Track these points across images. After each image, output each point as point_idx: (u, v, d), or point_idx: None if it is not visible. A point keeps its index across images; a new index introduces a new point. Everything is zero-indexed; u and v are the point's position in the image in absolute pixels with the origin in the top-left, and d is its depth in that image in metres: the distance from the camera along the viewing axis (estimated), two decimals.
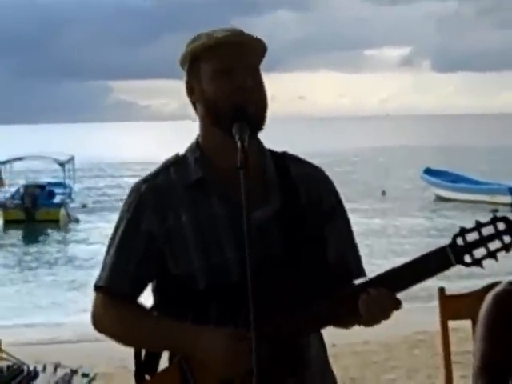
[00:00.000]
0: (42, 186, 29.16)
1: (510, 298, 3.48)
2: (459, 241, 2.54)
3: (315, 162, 2.89)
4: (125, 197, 2.77)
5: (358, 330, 2.69)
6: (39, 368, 3.81)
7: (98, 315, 2.69)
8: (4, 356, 3.84)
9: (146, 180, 2.71)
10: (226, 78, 2.56)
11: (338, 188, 2.92)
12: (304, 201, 2.70)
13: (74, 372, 3.76)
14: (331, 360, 2.69)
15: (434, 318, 3.85)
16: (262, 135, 2.68)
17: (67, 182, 30.68)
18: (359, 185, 39.78)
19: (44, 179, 32.49)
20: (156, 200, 2.68)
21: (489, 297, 3.46)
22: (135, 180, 2.78)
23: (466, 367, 3.68)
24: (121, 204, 2.84)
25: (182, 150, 2.75)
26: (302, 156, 2.96)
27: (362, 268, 2.76)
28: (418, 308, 10.70)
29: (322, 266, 2.70)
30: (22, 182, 30.73)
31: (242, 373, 2.48)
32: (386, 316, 2.52)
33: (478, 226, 2.55)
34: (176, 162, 2.71)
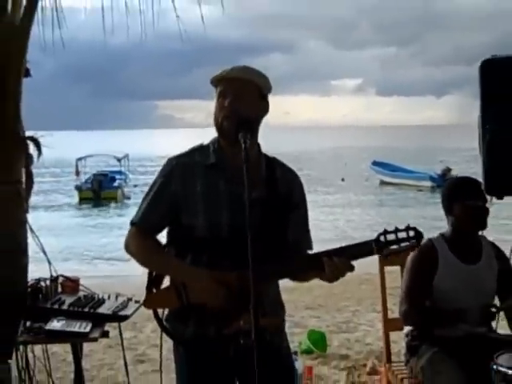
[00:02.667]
0: (105, 174, 33.97)
1: (427, 249, 4.09)
2: (381, 238, 2.92)
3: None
4: None
5: None
6: (106, 296, 4.20)
7: (129, 243, 3.08)
8: (82, 289, 4.25)
9: (177, 157, 3.08)
10: (220, 100, 2.99)
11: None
12: (281, 193, 3.07)
13: (129, 299, 4.20)
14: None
15: (375, 264, 4.44)
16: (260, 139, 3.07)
17: (123, 170, 36.01)
18: (325, 173, 44.14)
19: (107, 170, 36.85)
20: (182, 172, 3.03)
21: (415, 250, 3.86)
22: None
23: (396, 298, 4.27)
24: None
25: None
26: (283, 154, 3.30)
27: (310, 245, 3.16)
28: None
29: (283, 238, 3.10)
30: (92, 171, 35.37)
31: (215, 303, 2.93)
32: (343, 275, 2.94)
33: (396, 230, 2.92)
34: (200, 149, 3.09)
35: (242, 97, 2.97)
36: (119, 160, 36.68)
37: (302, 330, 8.09)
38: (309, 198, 3.30)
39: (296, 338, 7.61)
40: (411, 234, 2.93)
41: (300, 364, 6.55)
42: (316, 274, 2.97)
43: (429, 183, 31.66)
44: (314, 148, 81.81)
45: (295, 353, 7.51)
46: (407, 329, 4.23)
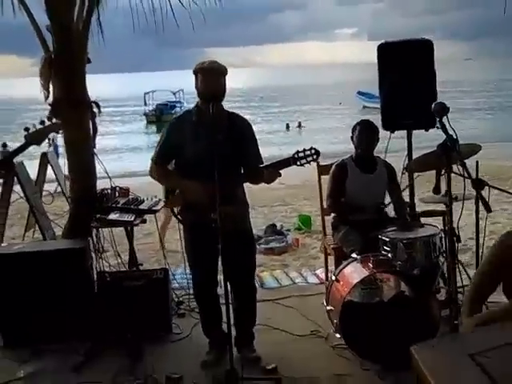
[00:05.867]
0: (165, 104, 33.21)
1: (341, 165, 4.34)
2: (295, 155, 3.15)
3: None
4: None
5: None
6: (145, 198, 4.37)
7: (151, 171, 3.38)
8: (131, 194, 4.42)
9: (175, 118, 3.40)
10: (203, 81, 3.24)
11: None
12: (238, 133, 3.29)
13: (160, 200, 4.29)
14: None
15: (315, 173, 4.61)
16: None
17: (181, 99, 34.66)
18: (327, 99, 43.81)
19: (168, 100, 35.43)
20: (177, 126, 3.29)
21: (334, 165, 4.38)
22: None
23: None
24: None
25: None
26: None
27: (262, 161, 3.31)
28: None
29: (244, 160, 3.32)
30: (156, 102, 34.39)
31: (198, 200, 3.16)
32: (275, 179, 3.19)
33: (304, 150, 3.14)
34: (189, 111, 3.35)
35: (216, 80, 3.23)
36: (174, 93, 36.15)
37: (297, 214, 8.32)
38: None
39: (293, 220, 7.96)
40: (313, 151, 3.15)
41: (290, 237, 7.11)
42: (260, 180, 3.19)
43: None
44: (321, 81, 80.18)
45: (288, 230, 7.80)
46: (332, 215, 4.44)
